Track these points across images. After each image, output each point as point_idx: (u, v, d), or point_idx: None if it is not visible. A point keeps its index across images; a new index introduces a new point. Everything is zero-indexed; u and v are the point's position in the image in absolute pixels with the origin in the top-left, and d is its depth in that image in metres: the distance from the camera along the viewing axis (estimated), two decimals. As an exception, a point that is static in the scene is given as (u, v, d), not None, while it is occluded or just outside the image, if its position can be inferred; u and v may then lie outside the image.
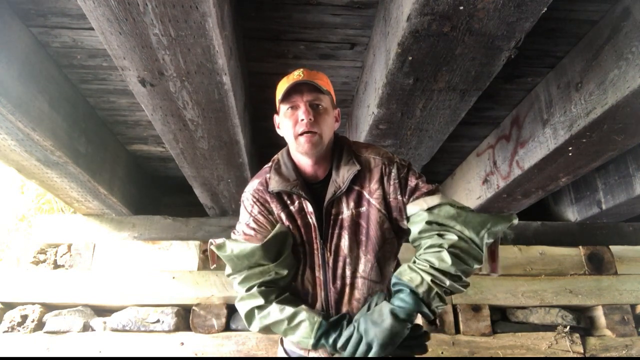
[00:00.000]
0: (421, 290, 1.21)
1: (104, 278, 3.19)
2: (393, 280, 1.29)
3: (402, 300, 1.22)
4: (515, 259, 3.44)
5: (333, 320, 1.31)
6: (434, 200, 1.32)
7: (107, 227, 3.39)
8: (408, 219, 1.37)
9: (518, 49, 1.59)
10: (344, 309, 1.39)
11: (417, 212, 1.33)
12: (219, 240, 1.41)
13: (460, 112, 2.03)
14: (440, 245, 1.26)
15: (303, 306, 1.34)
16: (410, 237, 1.38)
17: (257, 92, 2.49)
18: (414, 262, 1.29)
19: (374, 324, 1.21)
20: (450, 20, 1.45)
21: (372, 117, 2.08)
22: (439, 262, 1.23)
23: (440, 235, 1.28)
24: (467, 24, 1.47)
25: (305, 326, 1.29)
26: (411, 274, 1.25)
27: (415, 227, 1.34)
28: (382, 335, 1.18)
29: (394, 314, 1.20)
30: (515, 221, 1.29)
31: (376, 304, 1.29)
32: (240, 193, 1.52)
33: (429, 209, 1.30)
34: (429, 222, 1.30)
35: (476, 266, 1.26)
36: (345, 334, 1.26)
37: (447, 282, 1.22)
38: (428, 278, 1.22)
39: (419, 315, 1.25)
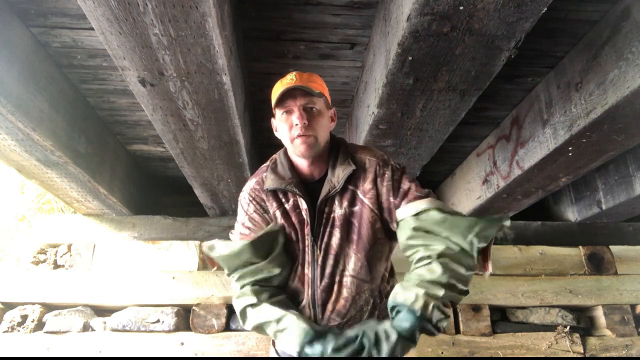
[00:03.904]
0: (417, 306, 1.16)
1: (104, 278, 3.19)
2: (389, 303, 1.25)
3: (402, 320, 1.18)
4: (515, 259, 3.44)
5: (320, 330, 1.26)
6: (421, 204, 1.30)
7: (107, 227, 3.39)
8: (397, 223, 1.36)
9: (518, 49, 1.59)
10: (330, 307, 1.39)
11: (405, 218, 1.32)
12: (210, 243, 1.42)
13: (460, 112, 2.03)
14: (428, 257, 1.24)
15: (293, 311, 1.33)
16: (400, 246, 1.38)
17: (257, 92, 2.49)
18: (407, 280, 1.27)
19: (379, 339, 1.17)
20: (450, 20, 1.45)
21: (372, 117, 2.08)
22: (430, 274, 1.20)
23: (427, 246, 1.27)
24: (467, 24, 1.47)
25: (291, 332, 1.27)
26: (405, 293, 1.21)
27: (402, 234, 1.33)
28: (387, 350, 1.15)
29: (399, 332, 1.17)
30: (507, 222, 1.24)
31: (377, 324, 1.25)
32: (240, 193, 1.53)
33: (416, 215, 1.29)
34: (415, 229, 1.29)
35: (467, 272, 1.22)
36: (345, 341, 1.20)
37: (441, 293, 1.18)
38: (421, 292, 1.18)
39: None
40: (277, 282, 1.42)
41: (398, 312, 1.21)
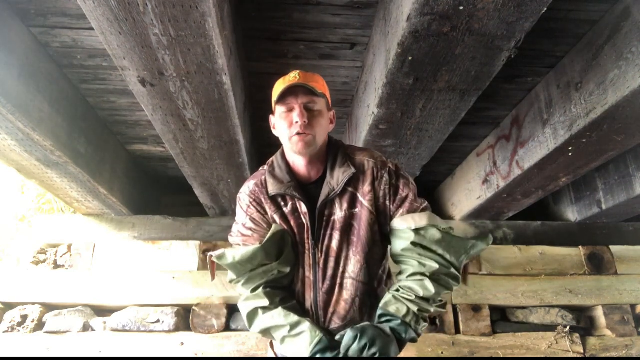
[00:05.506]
0: (409, 319, 1.28)
1: (104, 278, 3.19)
2: (379, 312, 1.34)
3: (395, 330, 1.28)
4: (515, 259, 3.44)
5: (333, 341, 1.32)
6: (422, 219, 1.35)
7: (107, 227, 3.39)
8: (392, 231, 1.41)
9: (518, 49, 1.59)
10: (331, 310, 1.40)
11: (404, 228, 1.36)
12: (219, 252, 1.42)
13: (460, 112, 2.03)
14: (422, 274, 1.32)
15: (308, 318, 1.36)
16: (392, 251, 1.43)
17: (257, 92, 2.49)
18: (398, 290, 1.35)
19: (379, 337, 1.24)
20: (450, 20, 1.45)
21: (372, 117, 2.08)
22: (424, 291, 1.30)
23: (422, 264, 1.34)
24: (467, 24, 1.47)
25: (305, 338, 1.30)
26: (397, 304, 1.31)
27: (399, 243, 1.38)
28: (386, 349, 1.22)
29: (395, 334, 1.27)
30: (491, 241, 1.38)
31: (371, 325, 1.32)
32: (238, 194, 1.54)
33: (416, 230, 1.34)
34: (413, 243, 1.34)
35: (454, 286, 1.35)
36: (348, 339, 1.26)
37: (432, 309, 1.32)
38: (415, 308, 1.29)
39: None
40: (287, 282, 1.44)
41: (388, 320, 1.30)
